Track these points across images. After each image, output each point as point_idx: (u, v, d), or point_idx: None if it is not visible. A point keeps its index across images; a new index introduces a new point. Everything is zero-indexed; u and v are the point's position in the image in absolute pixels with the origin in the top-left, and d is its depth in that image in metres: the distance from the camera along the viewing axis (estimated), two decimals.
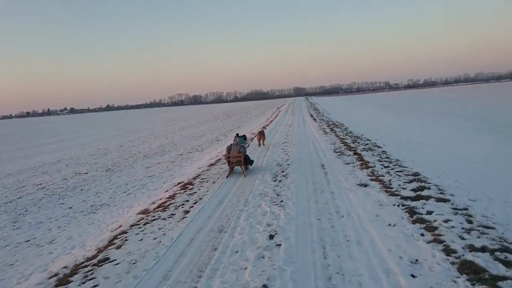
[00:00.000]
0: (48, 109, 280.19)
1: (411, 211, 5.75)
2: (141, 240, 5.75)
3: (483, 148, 12.56)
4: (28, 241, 7.21)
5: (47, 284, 4.83)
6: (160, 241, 5.57)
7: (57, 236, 7.28)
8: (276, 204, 6.91)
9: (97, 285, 4.41)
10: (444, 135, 16.21)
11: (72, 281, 4.65)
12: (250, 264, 4.49)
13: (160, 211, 7.25)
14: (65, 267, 5.26)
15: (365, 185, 7.68)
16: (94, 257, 5.39)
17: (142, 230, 6.21)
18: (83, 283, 4.53)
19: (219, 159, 13.02)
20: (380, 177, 8.11)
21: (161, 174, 12.52)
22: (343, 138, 15.14)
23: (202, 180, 9.74)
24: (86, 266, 5.05)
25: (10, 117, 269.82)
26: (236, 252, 4.91)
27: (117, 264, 4.92)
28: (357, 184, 7.80)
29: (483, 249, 4.23)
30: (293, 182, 8.57)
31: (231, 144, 10.47)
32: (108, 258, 5.18)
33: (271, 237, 5.33)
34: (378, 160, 10.06)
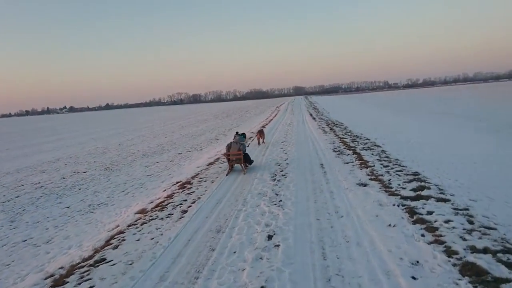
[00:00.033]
0: (48, 107, 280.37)
1: (411, 211, 5.69)
2: (138, 240, 5.68)
3: (482, 148, 12.51)
4: (25, 240, 7.14)
5: (43, 285, 4.76)
6: (157, 241, 5.50)
7: (54, 235, 7.21)
8: (275, 204, 6.84)
9: (93, 286, 4.35)
10: (443, 134, 16.15)
11: (68, 282, 4.58)
12: (248, 265, 4.42)
13: (158, 211, 7.18)
14: (62, 267, 5.19)
15: (365, 185, 7.61)
16: (90, 257, 5.32)
17: (140, 230, 6.14)
18: (79, 284, 4.46)
19: (218, 158, 12.95)
20: (380, 177, 8.05)
21: (159, 173, 12.45)
22: (342, 137, 15.08)
23: (201, 180, 9.67)
24: (82, 267, 4.98)
25: (10, 115, 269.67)
26: (234, 252, 4.84)
27: (113, 264, 4.85)
28: (357, 184, 7.74)
29: (485, 251, 4.17)
30: (292, 181, 8.50)
31: (230, 142, 10.57)
32: (105, 259, 5.11)
33: (270, 237, 5.26)
34: (377, 159, 10.00)
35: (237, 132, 12.03)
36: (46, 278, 4.95)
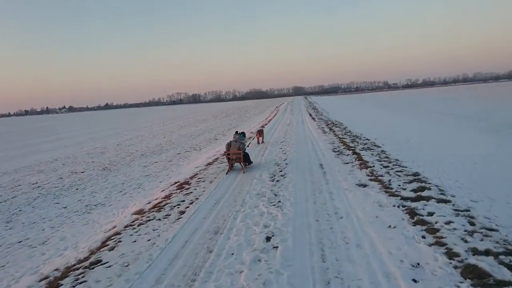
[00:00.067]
0: (47, 107, 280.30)
1: (412, 212, 5.62)
2: (135, 241, 5.60)
3: (482, 148, 12.46)
4: (20, 242, 7.04)
5: (37, 287, 4.68)
6: (154, 243, 5.41)
7: (50, 236, 7.11)
8: (274, 205, 6.76)
9: None
10: (443, 134, 16.10)
11: (62, 284, 4.50)
12: (246, 267, 4.34)
13: (155, 212, 7.10)
14: (57, 269, 5.11)
15: (364, 185, 7.54)
16: (86, 259, 5.23)
17: (136, 231, 6.06)
18: (74, 286, 4.38)
19: (217, 158, 12.87)
20: (380, 177, 7.98)
21: (158, 173, 12.36)
22: (342, 138, 15.01)
23: (199, 180, 9.58)
24: (78, 269, 4.90)
25: (9, 115, 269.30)
26: (232, 254, 4.76)
27: (109, 266, 4.77)
28: (356, 184, 7.66)
29: (487, 253, 4.10)
30: (291, 182, 8.43)
31: (230, 141, 10.60)
32: (100, 260, 5.03)
33: (268, 239, 5.18)
34: (377, 159, 9.92)
35: (236, 131, 12.03)
36: (40, 280, 4.86)
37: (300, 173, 9.26)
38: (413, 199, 6.26)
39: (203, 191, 8.35)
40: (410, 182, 7.37)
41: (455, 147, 12.48)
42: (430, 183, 7.17)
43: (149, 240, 5.58)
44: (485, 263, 3.87)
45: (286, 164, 10.63)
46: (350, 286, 3.82)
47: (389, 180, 7.64)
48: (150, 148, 19.83)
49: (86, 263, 5.02)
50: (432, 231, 4.85)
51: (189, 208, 7.03)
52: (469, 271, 3.77)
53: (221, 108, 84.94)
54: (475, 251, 4.16)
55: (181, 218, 6.49)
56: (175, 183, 9.76)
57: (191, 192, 8.33)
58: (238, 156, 10.18)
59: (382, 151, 11.24)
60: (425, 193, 6.49)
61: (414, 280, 3.77)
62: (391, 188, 7.06)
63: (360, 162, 9.79)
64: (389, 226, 5.24)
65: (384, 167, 8.96)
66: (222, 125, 32.50)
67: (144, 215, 7.02)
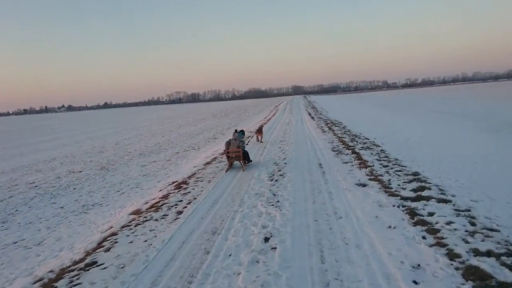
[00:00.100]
0: (46, 106, 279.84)
1: (412, 213, 5.55)
2: (131, 242, 5.52)
3: (482, 147, 12.39)
4: (15, 242, 6.95)
5: None
6: (151, 244, 5.33)
7: (46, 237, 7.03)
8: (272, 205, 6.69)
9: None
10: (443, 134, 16.03)
11: (56, 286, 4.42)
12: (244, 269, 4.27)
13: (153, 212, 7.02)
14: (51, 271, 5.03)
15: (364, 185, 7.47)
16: (81, 260, 5.15)
17: (133, 232, 5.97)
18: None
19: (215, 158, 12.80)
20: (379, 177, 7.91)
21: (156, 172, 12.28)
22: (341, 137, 14.94)
23: (197, 179, 9.50)
24: (73, 271, 4.81)
25: (8, 114, 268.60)
26: (230, 255, 4.68)
27: (104, 268, 4.69)
28: (356, 184, 7.60)
29: (488, 254, 4.03)
30: (290, 181, 8.35)
31: (230, 139, 10.64)
32: (96, 262, 4.95)
33: (266, 239, 5.11)
34: (376, 159, 9.85)
35: (236, 130, 12.19)
36: (34, 283, 4.78)
37: (299, 173, 9.18)
38: (413, 199, 6.19)
39: (201, 190, 8.27)
40: (410, 181, 7.31)
41: (455, 147, 12.40)
42: (430, 183, 7.10)
43: (145, 241, 5.50)
44: (487, 264, 3.81)
45: (285, 163, 10.56)
46: None
47: (389, 180, 7.57)
48: (149, 147, 19.73)
49: (81, 265, 4.94)
50: (433, 231, 4.79)
51: (187, 208, 6.96)
52: (471, 273, 3.70)
53: (220, 107, 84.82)
54: (477, 252, 4.09)
55: (178, 218, 6.41)
56: (173, 182, 9.69)
57: (189, 192, 8.25)
58: (237, 154, 10.22)
59: (382, 150, 11.17)
60: (425, 193, 6.42)
61: (415, 282, 3.70)
62: (391, 188, 6.99)
63: (359, 161, 9.72)
64: (389, 227, 5.17)
65: (384, 166, 8.89)
66: (221, 124, 32.40)
67: (141, 215, 6.93)
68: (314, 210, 6.28)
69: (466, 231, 4.70)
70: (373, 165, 9.03)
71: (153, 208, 7.28)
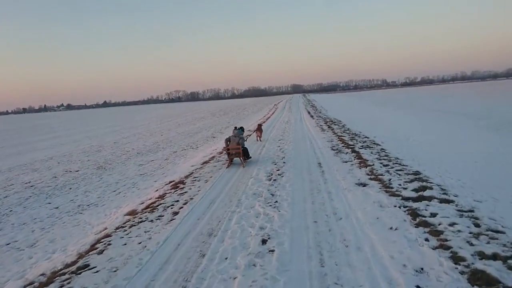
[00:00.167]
0: (45, 105, 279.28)
1: (414, 213, 5.40)
2: (125, 244, 5.36)
3: (483, 146, 12.23)
4: (8, 244, 6.79)
5: None
6: (145, 246, 5.17)
7: (40, 238, 6.86)
8: (270, 205, 6.53)
9: None
10: (443, 132, 15.87)
11: None
12: (240, 273, 4.11)
13: (148, 212, 6.86)
14: (43, 274, 4.87)
15: (364, 185, 7.32)
16: (73, 263, 4.99)
17: (127, 234, 5.81)
18: None
19: (213, 157, 12.64)
20: (380, 176, 7.76)
21: (153, 172, 12.11)
22: (341, 136, 14.79)
23: (194, 179, 9.34)
24: (64, 274, 4.66)
25: (7, 113, 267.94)
26: (226, 259, 4.53)
27: (96, 272, 4.53)
28: (356, 184, 7.44)
29: (494, 257, 3.88)
30: (289, 181, 8.20)
31: (229, 136, 10.80)
32: (88, 265, 4.79)
33: (264, 242, 4.95)
34: (377, 158, 9.70)
35: (235, 127, 12.29)
36: (25, 286, 4.64)
37: (298, 172, 9.03)
38: (415, 199, 6.05)
39: (198, 190, 8.11)
40: (411, 181, 7.16)
41: (455, 145, 12.25)
42: (431, 182, 6.96)
43: (140, 243, 5.34)
44: (493, 268, 3.66)
45: (284, 162, 10.40)
46: None
47: (390, 179, 7.42)
48: (147, 146, 19.56)
49: (73, 268, 4.78)
50: (436, 233, 4.64)
51: (183, 209, 6.80)
52: (477, 277, 3.55)
53: (219, 106, 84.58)
54: (482, 255, 3.94)
55: (174, 219, 6.26)
56: (170, 182, 9.52)
57: (185, 192, 8.09)
58: (237, 151, 10.44)
59: (382, 149, 11.02)
60: (426, 193, 6.28)
61: (418, 287, 3.55)
62: (392, 188, 6.85)
63: (359, 160, 9.57)
64: (391, 228, 5.02)
65: (384, 165, 8.74)
66: (220, 123, 32.22)
67: (136, 216, 6.77)
68: (313, 210, 6.13)
69: (470, 232, 4.56)
70: (373, 164, 8.88)
71: (149, 209, 7.12)
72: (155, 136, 25.34)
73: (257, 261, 4.38)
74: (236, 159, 10.80)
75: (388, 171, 8.14)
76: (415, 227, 4.93)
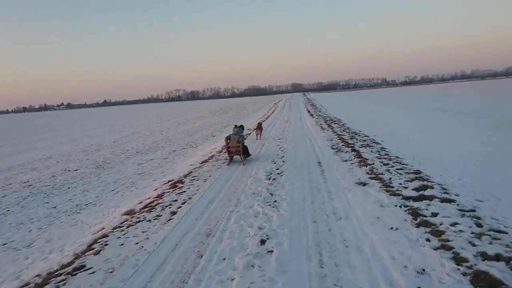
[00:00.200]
0: (45, 104, 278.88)
1: (415, 213, 5.33)
2: (122, 245, 5.28)
3: (483, 145, 12.16)
4: (5, 244, 6.71)
5: None
6: (142, 246, 5.10)
7: (37, 238, 6.79)
8: (269, 205, 6.46)
9: None
10: (443, 131, 15.79)
11: None
12: (238, 274, 4.03)
13: (146, 212, 6.78)
14: (38, 275, 4.80)
15: (364, 184, 7.25)
16: (69, 264, 4.92)
17: (125, 234, 5.74)
18: None
19: (213, 156, 12.57)
20: (380, 175, 7.69)
21: (152, 171, 12.04)
22: (341, 134, 14.72)
23: (193, 178, 9.27)
24: (60, 275, 4.58)
25: (7, 112, 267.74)
26: (224, 259, 4.45)
27: (92, 273, 4.46)
28: (356, 183, 7.37)
29: (497, 258, 3.81)
30: (288, 180, 8.13)
31: (230, 134, 10.88)
32: (84, 266, 4.71)
33: (263, 242, 4.88)
34: (377, 157, 9.64)
35: (235, 125, 12.26)
36: (21, 287, 4.56)
37: (297, 171, 8.96)
38: (416, 199, 5.98)
39: (197, 190, 8.04)
40: (412, 180, 7.09)
41: (455, 144, 12.17)
42: (432, 182, 6.90)
43: (137, 243, 5.27)
44: (496, 269, 3.59)
45: (283, 161, 10.34)
46: None
47: (390, 178, 7.35)
48: (146, 145, 19.48)
49: (69, 269, 4.71)
50: (437, 233, 4.57)
51: (181, 209, 6.72)
52: (480, 279, 3.48)
53: (219, 104, 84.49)
54: (485, 256, 3.87)
55: (172, 219, 6.18)
56: (169, 181, 9.45)
57: (184, 191, 8.02)
58: (237, 149, 10.54)
59: (382, 148, 10.95)
60: (427, 192, 6.21)
61: None
62: (392, 187, 6.78)
63: (359, 159, 9.50)
64: (391, 228, 4.95)
65: (384, 164, 8.67)
66: (220, 122, 32.14)
67: (134, 215, 6.70)
68: (313, 210, 6.06)
69: (472, 233, 4.49)
70: (374, 163, 8.81)
71: (147, 208, 7.04)
72: (155, 135, 25.27)
73: (255, 261, 4.31)
74: (236, 157, 10.91)
75: (388, 170, 8.07)
76: (416, 227, 4.86)
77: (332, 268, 4.05)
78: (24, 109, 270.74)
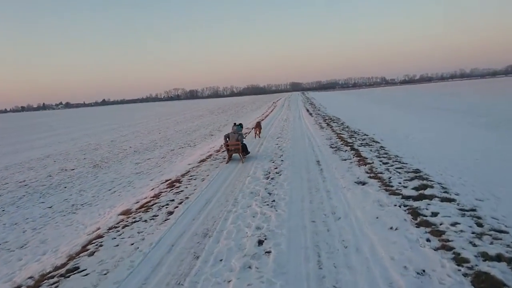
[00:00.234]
0: (44, 103, 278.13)
1: (414, 213, 5.25)
2: (117, 245, 5.19)
3: (483, 144, 12.10)
4: None
5: None
6: (138, 247, 5.01)
7: (31, 239, 6.69)
8: (268, 205, 6.37)
9: None
10: (442, 130, 15.74)
11: None
12: (235, 275, 3.95)
13: (142, 212, 6.69)
14: (31, 277, 4.70)
15: (364, 183, 7.16)
16: (63, 265, 4.82)
17: (120, 234, 5.64)
18: None
19: (211, 155, 12.48)
20: (379, 174, 7.61)
21: (149, 170, 11.94)
22: (340, 133, 14.64)
23: (191, 178, 9.17)
24: (53, 277, 4.49)
25: (5, 111, 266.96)
26: (220, 260, 4.36)
27: (86, 275, 4.36)
28: (355, 182, 7.29)
29: (498, 258, 3.73)
30: (287, 179, 8.04)
31: (229, 133, 10.97)
32: (78, 267, 4.62)
33: (260, 242, 4.79)
34: (376, 156, 9.56)
35: (235, 123, 12.33)
36: None
37: (296, 170, 8.88)
38: (415, 198, 5.90)
39: (194, 189, 7.95)
40: (411, 179, 7.01)
41: (455, 143, 12.11)
42: (432, 181, 6.82)
43: (132, 244, 5.17)
44: (497, 270, 3.51)
45: (282, 160, 10.25)
46: None
47: (389, 178, 7.27)
48: (144, 145, 19.38)
49: (62, 271, 4.61)
50: (437, 233, 4.49)
51: (178, 208, 6.63)
52: (481, 280, 3.40)
53: (218, 104, 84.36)
54: (486, 256, 3.80)
55: (168, 219, 6.09)
56: (166, 181, 9.36)
57: (181, 191, 7.93)
58: (236, 147, 10.63)
59: (381, 147, 10.87)
60: (427, 191, 6.13)
61: None
62: (392, 186, 6.70)
63: (358, 158, 9.42)
64: (391, 228, 4.87)
65: (384, 163, 8.59)
66: (218, 121, 32.05)
67: (130, 215, 6.61)
68: (312, 210, 5.97)
69: (473, 232, 4.41)
70: (373, 162, 8.74)
71: (144, 208, 6.95)
72: (153, 134, 25.16)
73: (252, 263, 4.22)
74: (235, 155, 11.00)
75: (387, 169, 7.99)
76: (416, 227, 4.78)
77: (331, 269, 3.97)
78: (23, 108, 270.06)
